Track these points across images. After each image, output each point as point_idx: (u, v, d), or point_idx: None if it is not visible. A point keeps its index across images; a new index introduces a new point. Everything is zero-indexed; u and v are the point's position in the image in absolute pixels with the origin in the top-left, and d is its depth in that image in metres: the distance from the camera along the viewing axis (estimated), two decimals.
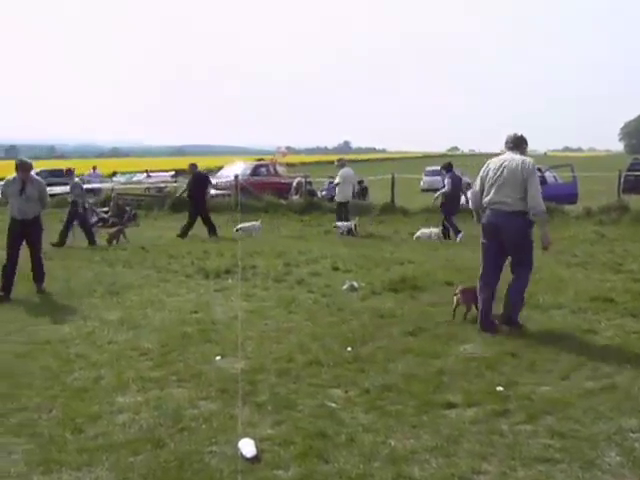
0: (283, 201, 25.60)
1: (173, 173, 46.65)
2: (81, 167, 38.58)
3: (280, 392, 6.04)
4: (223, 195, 26.68)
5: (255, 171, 30.58)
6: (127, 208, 23.88)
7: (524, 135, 8.17)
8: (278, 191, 27.44)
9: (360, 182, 26.74)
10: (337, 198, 19.86)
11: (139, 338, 7.88)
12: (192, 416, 5.56)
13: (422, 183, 40.58)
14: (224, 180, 28.44)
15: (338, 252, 14.45)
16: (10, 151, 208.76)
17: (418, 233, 17.39)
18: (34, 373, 6.75)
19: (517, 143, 8.08)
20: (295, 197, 27.06)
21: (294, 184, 28.92)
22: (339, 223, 18.61)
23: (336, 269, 12.33)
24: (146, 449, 4.97)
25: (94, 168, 38.34)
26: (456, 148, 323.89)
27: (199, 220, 18.37)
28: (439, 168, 21.05)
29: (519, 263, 8.06)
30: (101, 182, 34.77)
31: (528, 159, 7.84)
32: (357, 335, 7.79)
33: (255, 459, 4.75)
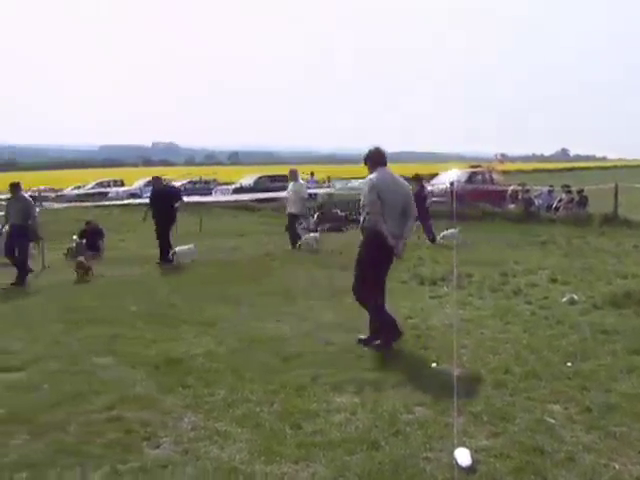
0: (499, 209, 25.08)
1: None
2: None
3: (496, 403, 5.93)
4: (438, 202, 26.61)
5: (471, 178, 30.17)
6: (341, 213, 24.52)
7: None
8: (493, 199, 26.89)
9: (580, 191, 25.65)
10: (296, 210, 18.38)
11: (355, 341, 8.03)
12: (407, 421, 5.60)
13: None
14: (439, 187, 28.33)
15: (556, 263, 13.92)
16: (233, 157, 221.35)
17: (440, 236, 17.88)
18: (256, 368, 7.12)
19: None
20: (511, 206, 26.39)
21: (509, 192, 28.23)
22: (306, 236, 18.13)
23: (554, 281, 11.88)
24: (361, 449, 5.06)
25: (312, 174, 39.58)
26: None
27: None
28: None
29: None
30: (318, 188, 35.80)
31: None
32: (577, 350, 7.46)
33: (470, 469, 4.70)
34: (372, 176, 7.81)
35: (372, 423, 5.56)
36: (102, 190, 49.42)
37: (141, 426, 5.68)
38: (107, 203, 32.65)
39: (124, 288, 12.39)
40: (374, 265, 7.75)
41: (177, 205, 16.26)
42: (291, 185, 18.67)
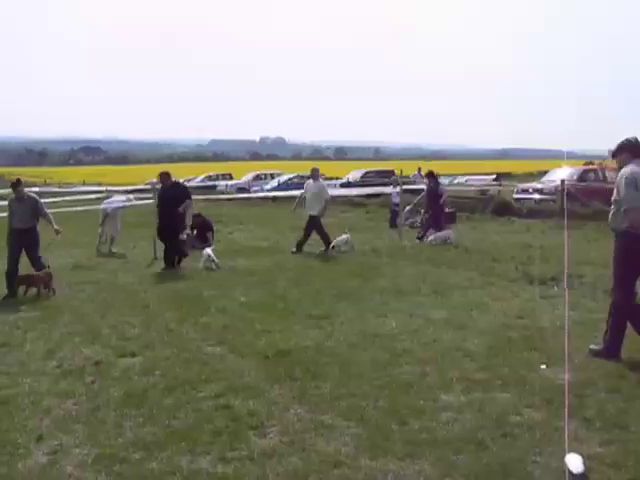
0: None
1: (495, 176, 46.58)
2: (406, 169, 39.74)
3: (609, 409, 5.72)
4: (548, 200, 26.00)
5: (582, 176, 29.26)
6: (448, 210, 24.19)
7: None
8: (606, 198, 25.93)
9: None
10: (316, 212, 16.68)
11: (464, 339, 7.96)
12: (516, 423, 5.48)
13: None
14: (549, 185, 27.65)
15: None
16: (339, 152, 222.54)
17: (431, 237, 17.36)
18: (363, 363, 7.14)
19: None
20: None
21: None
22: (337, 239, 16.51)
23: None
24: (468, 450, 5.00)
25: (419, 170, 39.33)
26: None
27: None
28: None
29: None
30: (425, 184, 35.48)
31: None
32: None
33: (582, 477, 4.55)
34: (629, 169, 7.04)
35: (479, 423, 5.49)
36: (211, 183, 50.60)
37: (248, 415, 5.79)
38: (215, 197, 33.35)
39: (235, 279, 12.62)
40: (628, 266, 7.14)
41: (183, 208, 14.62)
42: (311, 184, 17.26)
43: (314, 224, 16.56)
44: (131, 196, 18.89)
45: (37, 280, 11.57)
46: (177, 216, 14.49)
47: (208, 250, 14.46)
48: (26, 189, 12.65)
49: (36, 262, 11.89)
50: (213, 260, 14.08)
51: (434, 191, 18.79)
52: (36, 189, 25.01)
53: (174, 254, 14.43)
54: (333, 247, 16.24)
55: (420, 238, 18.03)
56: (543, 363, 6.93)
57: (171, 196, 14.66)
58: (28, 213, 11.90)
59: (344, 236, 16.51)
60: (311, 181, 17.40)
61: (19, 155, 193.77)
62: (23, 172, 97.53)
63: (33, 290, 11.51)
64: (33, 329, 9.08)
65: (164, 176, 15.13)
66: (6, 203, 12.36)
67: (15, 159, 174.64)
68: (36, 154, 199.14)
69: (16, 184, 12.13)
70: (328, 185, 41.81)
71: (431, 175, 19.59)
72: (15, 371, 7.26)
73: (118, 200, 18.99)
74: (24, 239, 11.86)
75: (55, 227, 12.04)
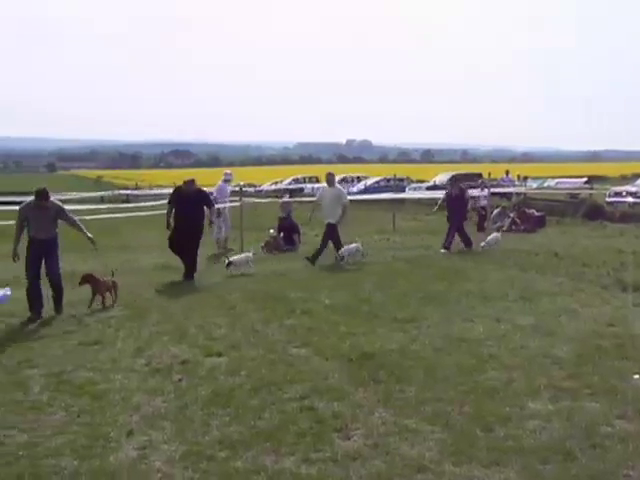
0: None
1: (586, 179, 45.51)
2: (494, 171, 39.20)
3: None
4: None
5: None
6: (538, 213, 23.79)
7: None
8: None
9: None
10: (335, 220, 15.69)
11: (552, 346, 7.77)
12: (606, 433, 5.32)
13: None
14: None
15: None
16: (426, 155, 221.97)
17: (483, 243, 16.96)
18: (449, 367, 7.07)
19: None
20: None
21: None
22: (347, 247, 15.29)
23: None
24: (556, 459, 4.89)
25: (507, 172, 38.74)
26: None
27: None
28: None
29: None
30: (513, 186, 34.97)
31: None
32: None
33: None
34: None
35: (568, 433, 5.35)
36: (298, 186, 51.17)
37: (332, 417, 5.81)
38: (302, 199, 33.64)
39: (320, 282, 12.68)
40: None
41: (212, 217, 14.50)
42: (327, 190, 16.37)
43: (332, 232, 15.70)
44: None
45: (101, 286, 10.71)
46: (198, 224, 13.96)
47: (234, 257, 14.53)
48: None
49: (53, 273, 10.71)
50: (229, 264, 13.96)
51: (458, 198, 17.84)
52: (128, 191, 25.72)
53: (191, 262, 13.77)
54: (343, 258, 15.03)
55: (447, 247, 17.07)
56: (636, 373, 6.72)
57: (190, 203, 13.75)
58: (49, 221, 10.60)
59: (353, 245, 15.47)
60: (326, 187, 16.72)
61: (113, 158, 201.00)
62: (117, 174, 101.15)
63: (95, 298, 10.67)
64: (123, 327, 9.35)
65: (189, 183, 14.24)
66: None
67: (109, 162, 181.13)
68: (129, 157, 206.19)
69: (41, 195, 10.44)
70: (415, 188, 41.92)
71: (454, 181, 18.74)
72: (107, 368, 7.50)
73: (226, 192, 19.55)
74: (44, 248, 10.61)
75: (89, 235, 10.86)
